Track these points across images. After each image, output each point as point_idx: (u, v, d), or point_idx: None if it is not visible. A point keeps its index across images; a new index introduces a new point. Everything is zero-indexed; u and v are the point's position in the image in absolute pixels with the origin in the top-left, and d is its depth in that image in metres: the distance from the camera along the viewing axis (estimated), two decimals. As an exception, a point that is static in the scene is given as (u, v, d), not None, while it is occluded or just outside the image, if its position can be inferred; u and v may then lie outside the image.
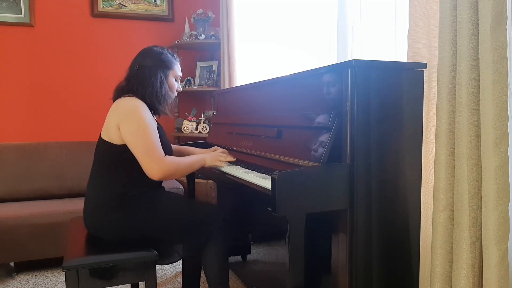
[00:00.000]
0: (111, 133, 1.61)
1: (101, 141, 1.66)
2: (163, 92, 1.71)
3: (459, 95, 1.19)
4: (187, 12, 3.44)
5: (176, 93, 1.82)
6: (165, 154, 1.63)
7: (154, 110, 1.73)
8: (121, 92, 1.71)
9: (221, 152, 1.88)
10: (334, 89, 1.37)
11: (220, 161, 1.79)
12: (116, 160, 1.63)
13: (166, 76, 1.73)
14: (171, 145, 1.88)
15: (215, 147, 2.08)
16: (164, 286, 2.29)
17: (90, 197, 1.68)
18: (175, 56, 1.80)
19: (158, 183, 1.75)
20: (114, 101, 1.71)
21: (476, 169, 1.18)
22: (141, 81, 1.68)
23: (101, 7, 3.27)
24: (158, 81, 1.69)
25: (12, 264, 2.49)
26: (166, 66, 1.73)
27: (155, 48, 1.76)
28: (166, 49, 1.78)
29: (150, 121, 1.61)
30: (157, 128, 1.68)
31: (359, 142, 1.30)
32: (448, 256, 1.28)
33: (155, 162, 1.55)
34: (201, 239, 1.69)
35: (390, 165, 1.36)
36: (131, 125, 1.57)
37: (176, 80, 1.80)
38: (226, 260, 1.75)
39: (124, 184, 1.62)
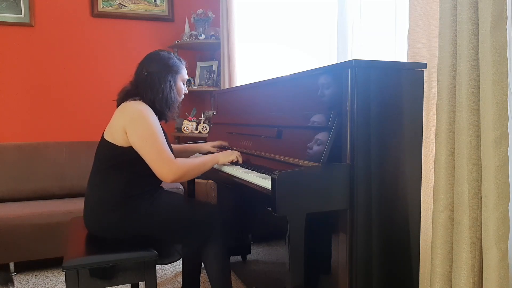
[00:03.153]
0: (116, 136, 1.61)
1: (104, 142, 1.66)
2: (173, 98, 1.73)
3: (459, 95, 1.19)
4: (187, 12, 3.44)
5: (183, 96, 1.83)
6: None
7: (161, 115, 1.73)
8: (127, 96, 1.70)
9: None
10: (334, 89, 1.36)
11: (234, 156, 1.77)
12: (118, 161, 1.63)
13: (175, 81, 1.74)
14: (171, 145, 1.87)
15: (218, 141, 2.09)
16: (164, 286, 2.29)
17: (90, 196, 1.68)
18: (181, 59, 1.81)
19: (158, 184, 1.75)
20: (118, 104, 1.71)
21: (476, 169, 1.18)
22: (151, 87, 1.68)
23: (101, 7, 3.27)
24: (168, 87, 1.70)
25: (12, 269, 2.48)
26: (175, 71, 1.74)
27: (162, 53, 1.76)
28: (172, 53, 1.79)
29: (156, 125, 1.62)
30: None
31: (359, 142, 1.30)
32: (448, 256, 1.28)
33: (166, 166, 1.56)
34: (200, 239, 1.69)
35: (390, 165, 1.36)
36: (138, 129, 1.57)
37: (183, 84, 1.81)
38: (227, 260, 1.75)
39: (125, 184, 1.63)
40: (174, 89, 1.73)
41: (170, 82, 1.71)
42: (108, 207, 1.62)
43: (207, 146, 2.09)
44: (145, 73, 1.70)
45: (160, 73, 1.70)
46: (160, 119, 1.73)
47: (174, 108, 1.76)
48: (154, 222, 1.65)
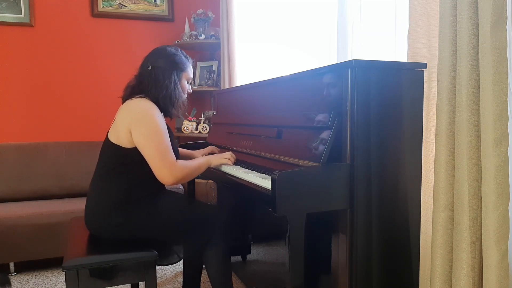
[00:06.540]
0: (121, 136, 1.59)
1: (109, 143, 1.64)
2: (177, 95, 1.69)
3: (459, 95, 1.19)
4: (187, 12, 3.44)
5: (186, 95, 1.80)
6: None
7: (166, 112, 1.71)
8: (132, 92, 1.68)
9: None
10: (334, 89, 1.36)
11: (226, 158, 1.77)
12: (122, 162, 1.61)
13: (180, 78, 1.71)
14: (179, 148, 1.88)
15: (211, 147, 2.10)
16: (164, 286, 2.29)
17: (92, 198, 1.67)
18: (188, 57, 1.77)
19: (162, 187, 1.74)
20: (123, 100, 1.69)
21: (476, 169, 1.18)
22: (155, 82, 1.65)
23: (101, 7, 3.27)
24: (172, 83, 1.67)
25: (12, 269, 2.48)
26: (180, 68, 1.71)
27: (168, 49, 1.72)
28: (179, 50, 1.74)
29: (162, 124, 1.60)
30: None
31: (359, 142, 1.30)
32: (448, 256, 1.28)
33: (167, 168, 1.55)
34: (202, 240, 1.69)
35: (390, 165, 1.36)
36: (143, 128, 1.55)
37: (188, 82, 1.78)
38: (228, 261, 1.75)
39: (128, 186, 1.62)
40: (179, 86, 1.70)
41: (174, 79, 1.68)
42: (110, 210, 1.61)
43: (197, 154, 2.06)
44: (149, 67, 1.67)
45: (164, 69, 1.66)
46: (165, 115, 1.71)
47: (179, 106, 1.72)
48: (155, 224, 1.64)
